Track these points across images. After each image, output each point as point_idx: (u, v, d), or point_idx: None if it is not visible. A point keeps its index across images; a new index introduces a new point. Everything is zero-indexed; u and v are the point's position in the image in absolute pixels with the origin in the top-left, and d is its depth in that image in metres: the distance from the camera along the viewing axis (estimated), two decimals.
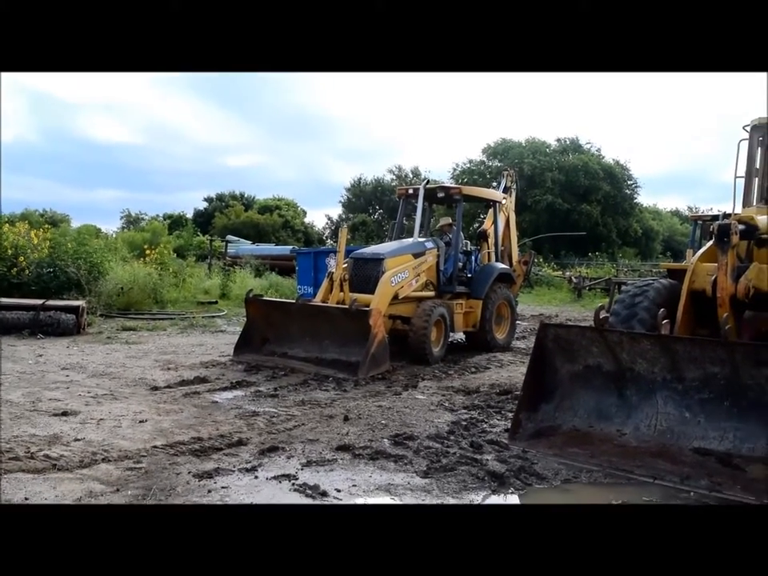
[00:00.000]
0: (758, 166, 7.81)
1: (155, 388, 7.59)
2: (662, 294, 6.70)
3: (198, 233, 35.95)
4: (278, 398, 7.23)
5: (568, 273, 31.18)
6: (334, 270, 9.71)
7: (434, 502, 4.36)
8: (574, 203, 43.71)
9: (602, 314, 5.65)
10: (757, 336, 6.22)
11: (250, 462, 5.06)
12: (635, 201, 48.49)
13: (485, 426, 6.30)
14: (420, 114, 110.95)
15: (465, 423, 6.32)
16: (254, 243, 31.96)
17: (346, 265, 9.97)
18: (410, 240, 10.75)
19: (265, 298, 10.11)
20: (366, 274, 9.86)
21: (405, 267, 9.91)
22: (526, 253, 14.15)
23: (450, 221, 11.65)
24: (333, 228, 55.90)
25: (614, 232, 45.39)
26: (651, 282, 6.88)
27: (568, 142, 48.64)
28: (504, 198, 12.53)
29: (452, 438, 5.84)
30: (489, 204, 12.38)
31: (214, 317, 15.66)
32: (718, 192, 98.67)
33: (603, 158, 47.52)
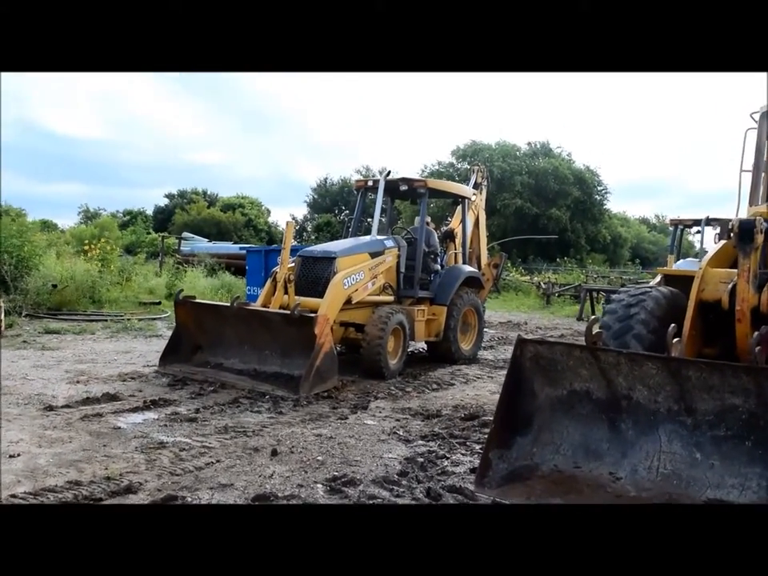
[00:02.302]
0: (766, 159, 6.76)
1: (50, 408, 6.25)
2: (662, 305, 5.57)
3: (151, 230, 34.34)
4: (196, 423, 5.95)
5: (536, 278, 30.32)
6: (278, 270, 8.43)
7: None
8: (543, 208, 42.94)
9: (596, 329, 4.50)
10: None
11: None
12: (604, 207, 47.95)
13: (446, 463, 5.09)
14: (390, 114, 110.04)
15: (422, 460, 5.10)
16: (210, 241, 30.42)
17: (293, 264, 8.74)
18: (368, 238, 9.52)
19: (197, 301, 8.78)
20: (314, 275, 8.60)
21: (360, 268, 8.68)
22: (497, 255, 13.00)
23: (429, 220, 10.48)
24: (297, 228, 54.46)
25: (583, 238, 44.70)
26: (648, 290, 5.74)
27: (538, 146, 47.79)
28: (474, 195, 11.37)
29: (404, 482, 4.62)
30: (457, 201, 11.21)
31: (154, 319, 14.24)
32: (685, 200, 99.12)
33: (573, 162, 46.83)
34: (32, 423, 5.74)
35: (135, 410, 6.36)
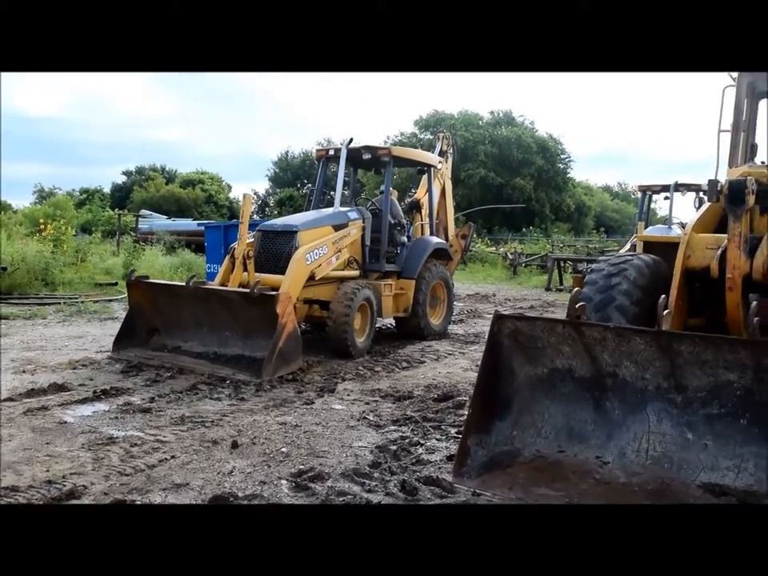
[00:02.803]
0: (745, 118, 6.45)
1: None
2: (645, 274, 5.23)
3: (108, 208, 33.34)
4: (150, 414, 5.50)
5: (502, 249, 30.12)
6: (236, 246, 7.95)
7: None
8: (507, 177, 42.80)
9: (579, 304, 4.15)
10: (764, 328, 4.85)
11: None
12: (568, 176, 47.92)
13: (420, 451, 4.72)
14: (351, 85, 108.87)
15: (394, 448, 4.72)
16: (169, 218, 29.59)
17: (252, 240, 8.27)
18: (330, 210, 9.07)
19: (151, 281, 8.27)
20: (275, 250, 8.14)
21: (323, 242, 8.24)
22: (465, 225, 12.61)
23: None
24: (259, 203, 53.51)
25: (547, 207, 44.70)
26: (629, 258, 5.39)
27: (501, 115, 47.51)
28: (440, 163, 10.94)
29: (376, 474, 4.24)
30: (422, 169, 10.76)
31: (110, 300, 13.63)
32: (647, 168, 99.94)
33: (537, 131, 46.67)
34: None
35: (84, 401, 5.88)
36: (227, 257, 8.12)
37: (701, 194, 12.47)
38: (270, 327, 6.85)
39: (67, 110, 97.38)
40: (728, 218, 4.62)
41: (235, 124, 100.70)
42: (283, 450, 4.70)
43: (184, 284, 7.56)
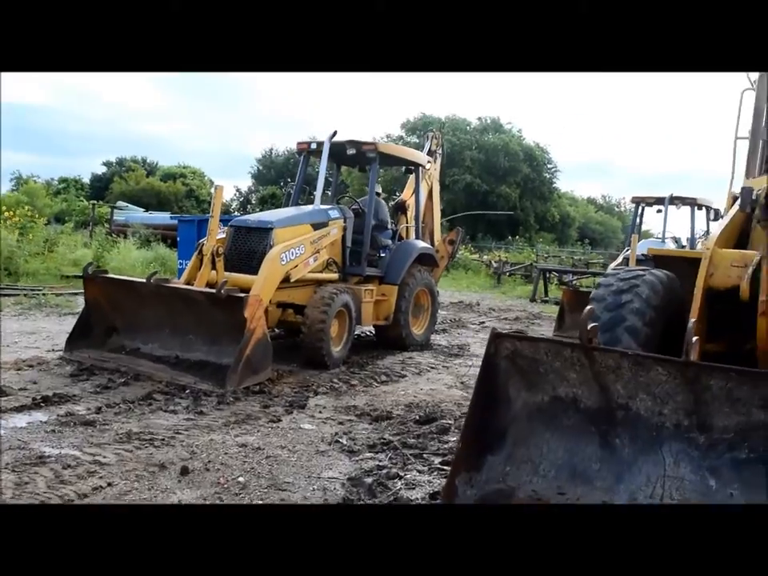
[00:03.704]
0: (765, 124, 5.90)
1: None
2: (658, 292, 4.63)
3: (84, 198, 32.38)
4: (93, 428, 4.83)
5: (486, 256, 29.62)
6: (205, 242, 7.28)
7: None
8: (493, 184, 42.33)
9: (592, 325, 3.55)
10: None
11: None
12: (554, 186, 47.58)
13: (399, 485, 4.08)
14: (339, 86, 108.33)
15: (369, 481, 4.08)
16: (147, 211, 28.73)
17: (223, 236, 7.62)
18: (310, 207, 8.42)
19: (109, 276, 7.58)
20: (248, 248, 7.48)
21: (300, 241, 7.59)
22: (453, 230, 12.00)
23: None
24: (241, 200, 52.66)
25: (532, 216, 44.27)
26: (641, 273, 4.78)
27: (489, 122, 47.05)
28: (428, 163, 10.32)
29: None
30: (409, 169, 10.15)
31: (75, 294, 12.86)
32: (628, 181, 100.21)
33: (524, 139, 46.25)
34: None
35: (21, 409, 5.20)
36: (195, 253, 7.44)
37: (713, 207, 11.96)
38: (238, 332, 6.20)
39: (54, 100, 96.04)
40: (755, 232, 4.06)
41: (219, 119, 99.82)
42: (240, 479, 4.05)
43: (144, 281, 6.87)
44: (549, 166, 46.71)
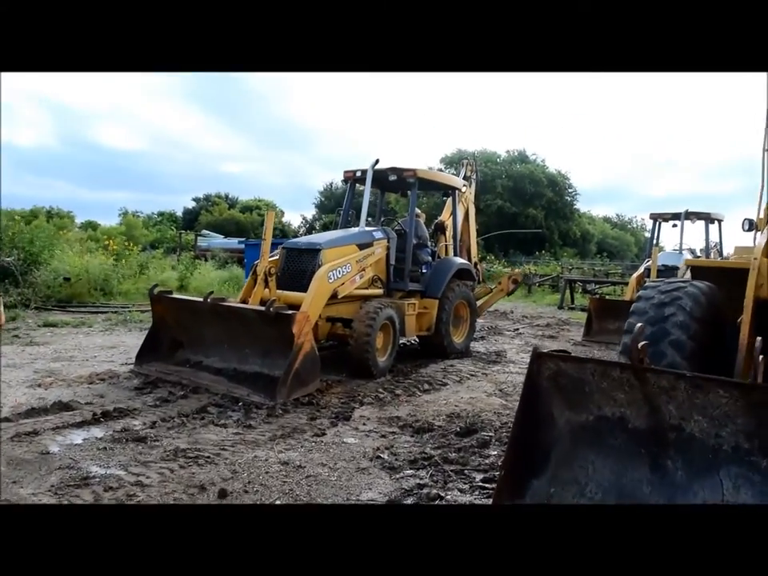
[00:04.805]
0: None
1: None
2: (701, 304, 3.81)
3: (174, 228, 32.45)
4: (143, 444, 4.22)
5: (517, 270, 28.56)
6: (259, 263, 6.68)
7: None
8: (521, 207, 41.32)
9: (642, 343, 2.78)
10: None
11: None
12: (574, 207, 46.29)
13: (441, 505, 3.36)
14: (381, 129, 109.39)
15: (409, 502, 3.37)
16: (225, 237, 28.54)
17: (276, 258, 7.01)
18: (356, 229, 7.76)
19: (172, 296, 7.04)
20: (299, 268, 6.86)
21: (347, 260, 6.93)
22: (517, 271, 11.20)
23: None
24: (306, 227, 52.47)
25: (556, 234, 43.04)
26: (683, 285, 3.96)
27: (516, 153, 46.01)
28: (464, 186, 9.57)
29: None
30: (447, 192, 9.43)
31: None
32: (639, 203, 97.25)
33: (547, 168, 45.06)
34: None
35: (81, 424, 4.63)
36: (250, 273, 6.86)
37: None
38: (287, 347, 5.56)
39: (153, 146, 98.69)
40: None
41: (289, 159, 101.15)
42: (278, 501, 3.37)
43: (202, 300, 6.29)
44: (570, 190, 45.46)
